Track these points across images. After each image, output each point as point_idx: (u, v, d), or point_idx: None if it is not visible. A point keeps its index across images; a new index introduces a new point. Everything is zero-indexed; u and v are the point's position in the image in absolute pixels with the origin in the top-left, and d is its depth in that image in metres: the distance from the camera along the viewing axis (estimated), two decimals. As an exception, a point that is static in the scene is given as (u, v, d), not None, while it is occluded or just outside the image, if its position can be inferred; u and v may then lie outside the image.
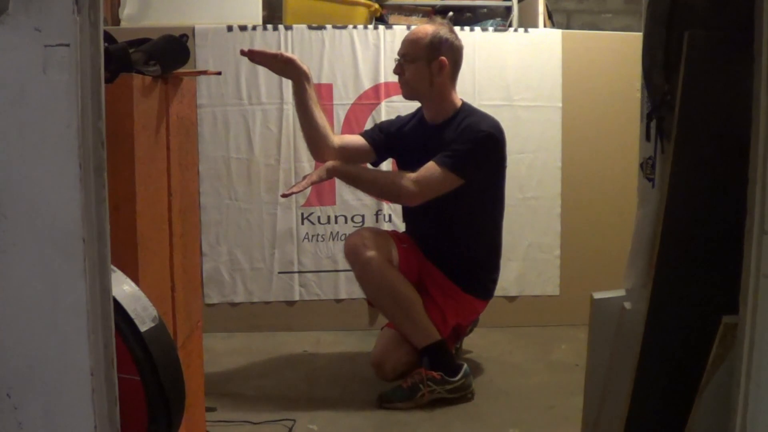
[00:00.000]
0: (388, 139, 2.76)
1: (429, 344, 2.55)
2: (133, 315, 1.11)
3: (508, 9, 3.53)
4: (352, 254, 2.59)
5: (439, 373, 2.50)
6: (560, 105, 3.31)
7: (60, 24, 0.90)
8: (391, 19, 3.50)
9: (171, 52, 1.63)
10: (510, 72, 3.29)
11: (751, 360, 1.07)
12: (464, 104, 2.69)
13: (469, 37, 3.26)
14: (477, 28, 3.30)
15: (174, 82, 1.70)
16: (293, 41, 3.20)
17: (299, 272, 3.30)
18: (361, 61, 3.24)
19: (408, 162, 2.65)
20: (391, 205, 3.22)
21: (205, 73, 2.15)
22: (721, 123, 1.38)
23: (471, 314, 2.75)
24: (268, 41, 3.20)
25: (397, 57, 2.66)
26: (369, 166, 2.78)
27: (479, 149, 2.54)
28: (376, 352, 2.63)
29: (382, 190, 2.68)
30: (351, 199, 3.25)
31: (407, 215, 2.86)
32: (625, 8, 4.09)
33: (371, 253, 2.53)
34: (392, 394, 2.49)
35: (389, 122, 2.87)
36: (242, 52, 2.49)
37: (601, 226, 3.27)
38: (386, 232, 2.73)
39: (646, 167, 1.61)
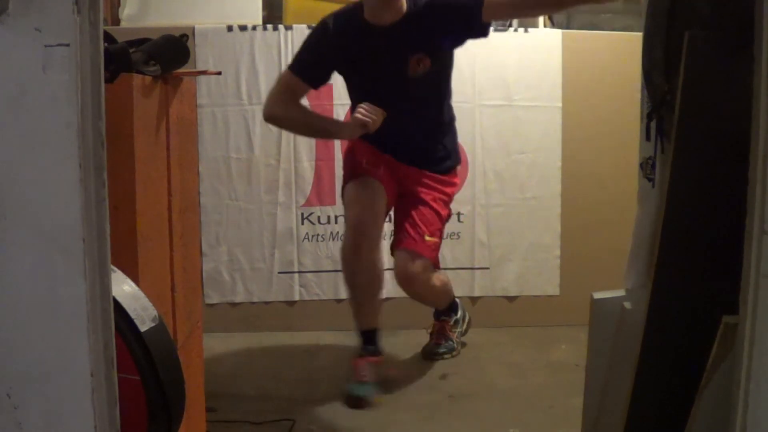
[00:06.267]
0: (329, 66, 2.65)
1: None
2: (133, 315, 1.12)
3: (508, 9, 3.52)
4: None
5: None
6: (560, 105, 3.31)
7: (60, 24, 0.90)
8: (391, 19, 3.49)
9: (171, 52, 1.63)
10: (510, 72, 3.28)
11: (751, 360, 1.07)
12: None
13: (469, 37, 3.27)
14: (477, 28, 3.30)
15: (174, 82, 1.70)
16: (293, 41, 3.20)
17: (299, 272, 3.30)
18: (361, 61, 3.23)
19: (369, 70, 2.57)
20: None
21: (205, 73, 2.16)
22: (721, 123, 1.38)
23: (453, 189, 2.84)
24: (268, 41, 3.20)
25: None
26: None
27: None
28: (399, 270, 2.66)
29: None
30: (351, 199, 3.25)
31: (382, 129, 2.57)
32: (625, 8, 4.07)
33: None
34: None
35: (314, 51, 2.62)
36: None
37: (601, 226, 3.27)
38: (363, 197, 2.63)
39: (646, 167, 1.61)
